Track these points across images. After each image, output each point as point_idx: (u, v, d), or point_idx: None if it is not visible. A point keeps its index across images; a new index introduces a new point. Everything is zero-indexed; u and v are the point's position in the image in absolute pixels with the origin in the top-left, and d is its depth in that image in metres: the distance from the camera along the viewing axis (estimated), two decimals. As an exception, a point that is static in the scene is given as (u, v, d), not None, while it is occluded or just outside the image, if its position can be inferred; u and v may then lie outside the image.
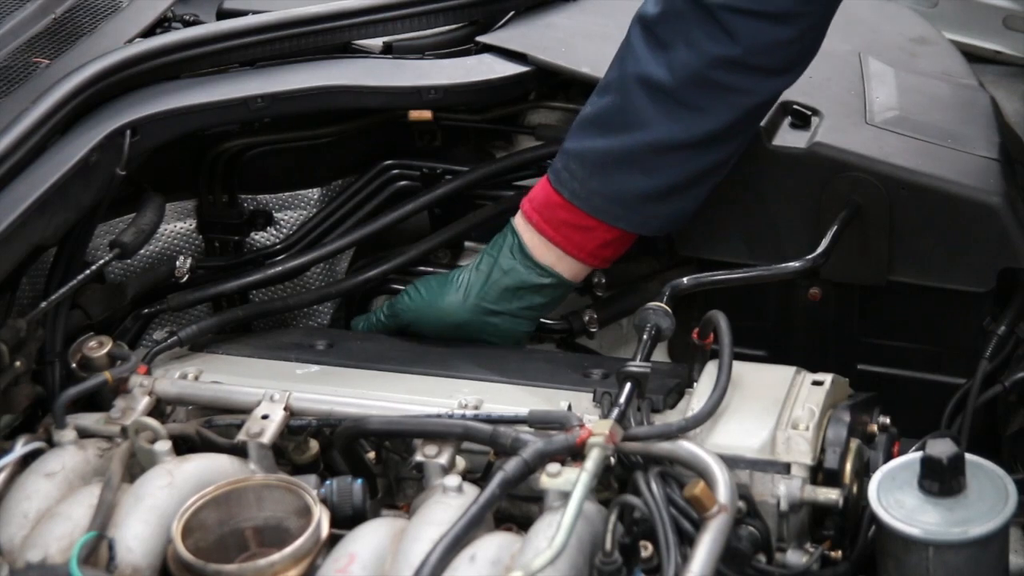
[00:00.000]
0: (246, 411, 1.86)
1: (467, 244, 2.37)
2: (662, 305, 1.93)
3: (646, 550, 1.62)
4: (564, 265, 2.12)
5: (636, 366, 1.84)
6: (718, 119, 2.02)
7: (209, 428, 1.86)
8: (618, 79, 2.05)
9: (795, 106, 2.21)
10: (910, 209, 2.13)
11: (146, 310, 2.21)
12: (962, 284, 2.15)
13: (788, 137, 2.18)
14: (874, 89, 2.30)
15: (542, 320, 2.33)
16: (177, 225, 2.33)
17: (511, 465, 1.66)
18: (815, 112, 2.21)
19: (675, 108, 2.01)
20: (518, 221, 2.13)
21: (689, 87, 2.00)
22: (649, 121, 2.02)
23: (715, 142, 2.05)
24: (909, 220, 2.13)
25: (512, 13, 2.38)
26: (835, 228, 2.10)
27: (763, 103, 2.06)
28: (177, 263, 2.25)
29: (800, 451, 1.77)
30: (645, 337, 1.91)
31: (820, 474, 1.79)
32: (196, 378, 1.97)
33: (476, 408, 1.86)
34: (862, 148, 2.15)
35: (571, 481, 1.62)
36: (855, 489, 1.79)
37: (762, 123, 2.16)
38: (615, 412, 1.77)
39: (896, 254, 2.16)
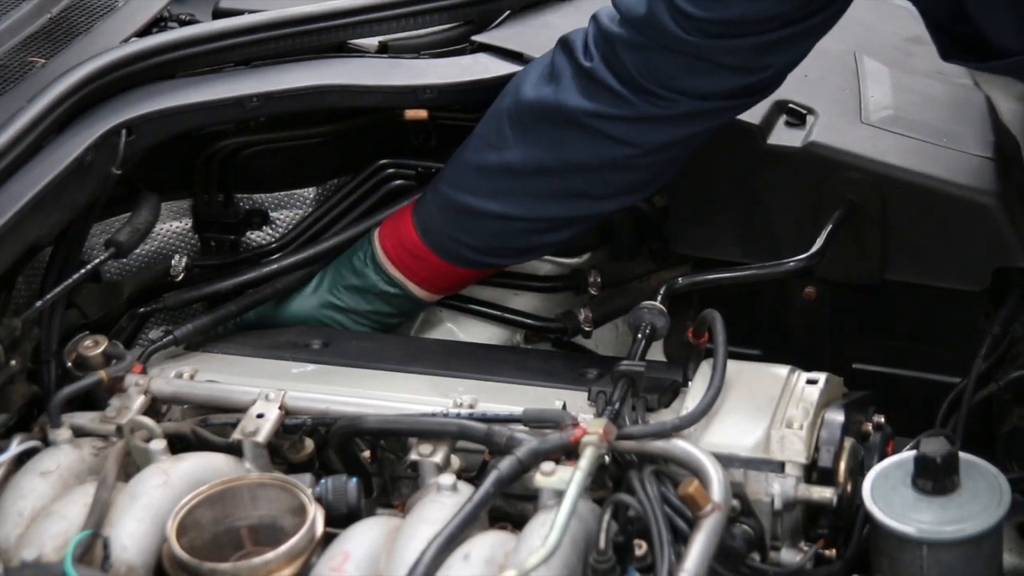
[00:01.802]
0: (241, 410, 1.85)
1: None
2: (657, 304, 1.94)
3: (640, 549, 1.63)
4: (411, 283, 2.17)
5: (631, 365, 1.84)
6: (557, 211, 2.10)
7: (204, 427, 1.85)
8: (483, 141, 2.11)
9: (791, 105, 2.21)
10: (905, 208, 2.13)
11: (142, 309, 2.21)
12: (957, 283, 2.15)
13: (783, 136, 2.18)
14: (869, 88, 2.30)
15: (538, 319, 2.34)
16: (173, 224, 2.33)
17: (505, 464, 1.66)
18: (810, 111, 2.21)
19: (516, 189, 2.08)
20: (376, 230, 2.19)
21: (536, 175, 2.07)
22: (489, 192, 2.10)
23: (541, 224, 2.12)
24: (904, 219, 2.14)
25: (507, 13, 2.38)
26: (830, 227, 2.10)
27: (601, 213, 2.14)
28: (173, 262, 2.25)
29: (794, 450, 1.77)
30: (640, 336, 1.91)
31: (814, 473, 1.78)
32: (191, 377, 1.97)
33: (471, 407, 1.86)
34: (857, 147, 2.15)
35: (565, 480, 1.62)
36: (849, 488, 1.79)
37: (757, 122, 2.16)
38: (609, 411, 1.77)
39: (891, 253, 2.16)
